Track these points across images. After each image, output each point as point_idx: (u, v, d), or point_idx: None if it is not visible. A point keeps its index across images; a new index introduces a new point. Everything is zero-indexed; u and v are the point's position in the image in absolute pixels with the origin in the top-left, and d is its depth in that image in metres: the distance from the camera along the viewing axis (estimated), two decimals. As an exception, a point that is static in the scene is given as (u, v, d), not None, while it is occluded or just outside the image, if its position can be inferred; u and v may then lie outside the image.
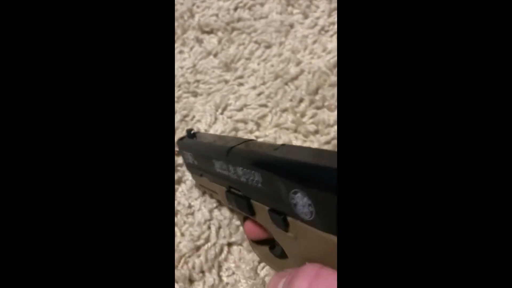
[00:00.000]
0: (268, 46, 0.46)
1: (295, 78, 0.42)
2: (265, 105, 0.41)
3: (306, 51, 0.45)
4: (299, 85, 0.41)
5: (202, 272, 0.32)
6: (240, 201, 0.25)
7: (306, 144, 0.37)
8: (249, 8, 0.51)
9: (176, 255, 0.32)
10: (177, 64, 0.47)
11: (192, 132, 0.34)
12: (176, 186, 0.37)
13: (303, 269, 0.17)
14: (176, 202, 0.36)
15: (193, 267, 0.32)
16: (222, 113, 0.42)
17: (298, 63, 0.43)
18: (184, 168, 0.37)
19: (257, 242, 0.29)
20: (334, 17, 0.47)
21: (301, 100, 0.40)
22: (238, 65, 0.46)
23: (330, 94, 0.39)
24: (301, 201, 0.17)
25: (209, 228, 0.34)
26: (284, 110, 0.40)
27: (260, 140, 0.39)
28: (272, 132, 0.39)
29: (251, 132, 0.40)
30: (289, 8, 0.50)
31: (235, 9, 0.51)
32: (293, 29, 0.48)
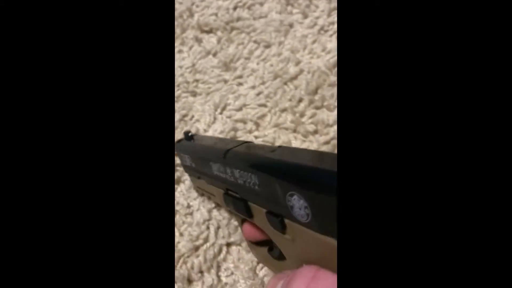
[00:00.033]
0: (268, 46, 0.46)
1: (295, 78, 0.42)
2: (264, 105, 0.41)
3: (305, 50, 0.45)
4: (299, 85, 0.41)
5: (201, 272, 0.32)
6: (238, 204, 0.25)
7: (305, 144, 0.37)
8: (249, 8, 0.50)
9: (175, 255, 0.32)
10: (176, 64, 0.47)
11: (189, 134, 0.34)
12: (175, 186, 0.37)
13: (300, 271, 0.18)
14: (175, 202, 0.36)
15: (192, 267, 0.32)
16: (221, 113, 0.42)
17: (298, 63, 0.43)
18: (182, 168, 0.37)
19: (255, 244, 0.29)
20: (334, 17, 0.47)
21: (300, 100, 0.40)
22: (237, 65, 0.46)
23: (330, 94, 0.39)
24: (298, 203, 0.17)
25: (208, 228, 0.34)
26: (283, 110, 0.40)
27: (259, 140, 0.39)
28: (271, 132, 0.39)
29: (250, 132, 0.40)
30: (289, 8, 0.50)
31: (235, 8, 0.51)
32: (292, 28, 0.47)
